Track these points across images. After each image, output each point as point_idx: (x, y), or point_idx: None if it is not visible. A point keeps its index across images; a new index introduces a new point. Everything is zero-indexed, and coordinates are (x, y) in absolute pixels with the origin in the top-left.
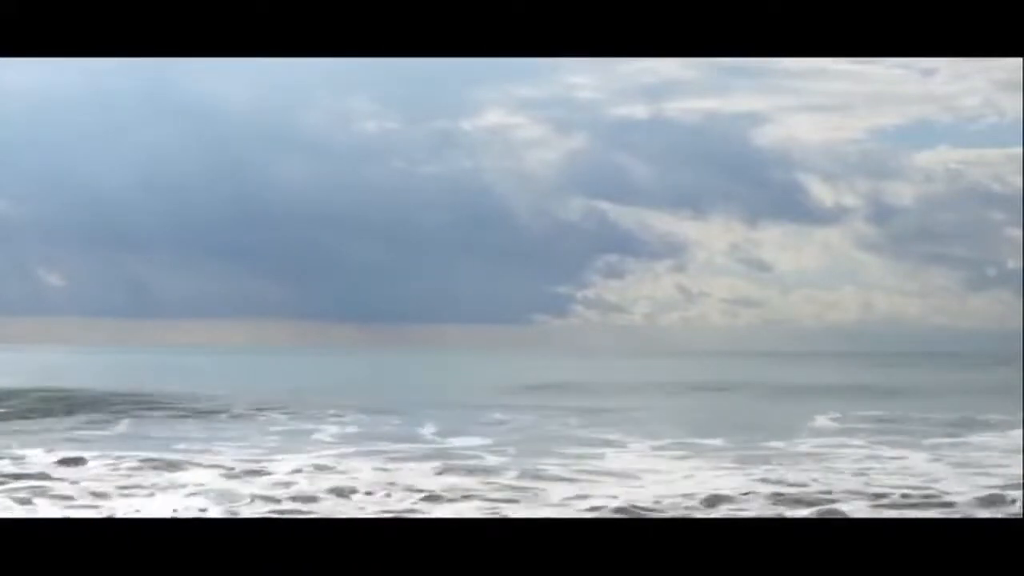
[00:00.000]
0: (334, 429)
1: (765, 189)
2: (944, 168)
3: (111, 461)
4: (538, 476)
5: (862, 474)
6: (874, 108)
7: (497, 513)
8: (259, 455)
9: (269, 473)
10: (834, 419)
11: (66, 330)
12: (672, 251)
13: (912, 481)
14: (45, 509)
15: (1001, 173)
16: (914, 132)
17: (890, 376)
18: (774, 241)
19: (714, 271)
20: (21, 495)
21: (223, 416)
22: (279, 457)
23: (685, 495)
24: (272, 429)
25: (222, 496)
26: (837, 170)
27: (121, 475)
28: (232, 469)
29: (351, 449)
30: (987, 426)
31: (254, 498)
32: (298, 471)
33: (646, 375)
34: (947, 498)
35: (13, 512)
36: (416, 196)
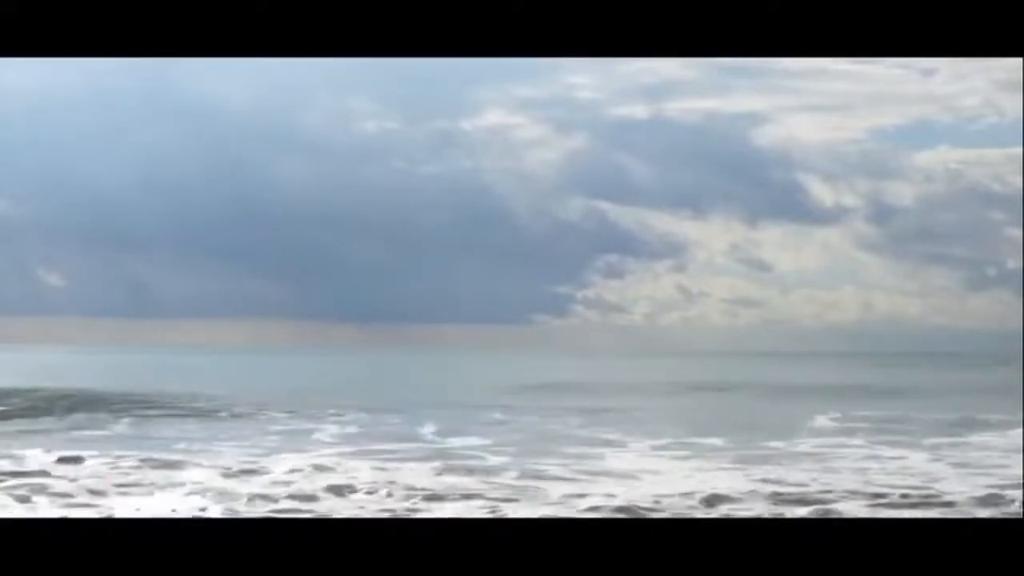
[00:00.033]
0: (334, 429)
1: (765, 189)
2: (944, 168)
3: (110, 460)
4: (538, 476)
5: (862, 474)
6: (874, 108)
7: (497, 513)
8: (259, 455)
9: (269, 472)
10: (834, 419)
11: (66, 330)
12: (672, 251)
13: (912, 481)
14: (44, 507)
15: (1001, 173)
16: (914, 132)
17: (890, 376)
18: (774, 241)
19: (714, 271)
20: (20, 492)
21: (223, 416)
22: (279, 457)
23: (685, 495)
24: (272, 429)
25: (222, 495)
26: (837, 170)
27: (121, 474)
28: (232, 469)
29: (351, 449)
30: (987, 426)
31: (253, 497)
32: (298, 471)
33: (646, 375)
34: (947, 498)
35: (12, 510)
36: (416, 196)
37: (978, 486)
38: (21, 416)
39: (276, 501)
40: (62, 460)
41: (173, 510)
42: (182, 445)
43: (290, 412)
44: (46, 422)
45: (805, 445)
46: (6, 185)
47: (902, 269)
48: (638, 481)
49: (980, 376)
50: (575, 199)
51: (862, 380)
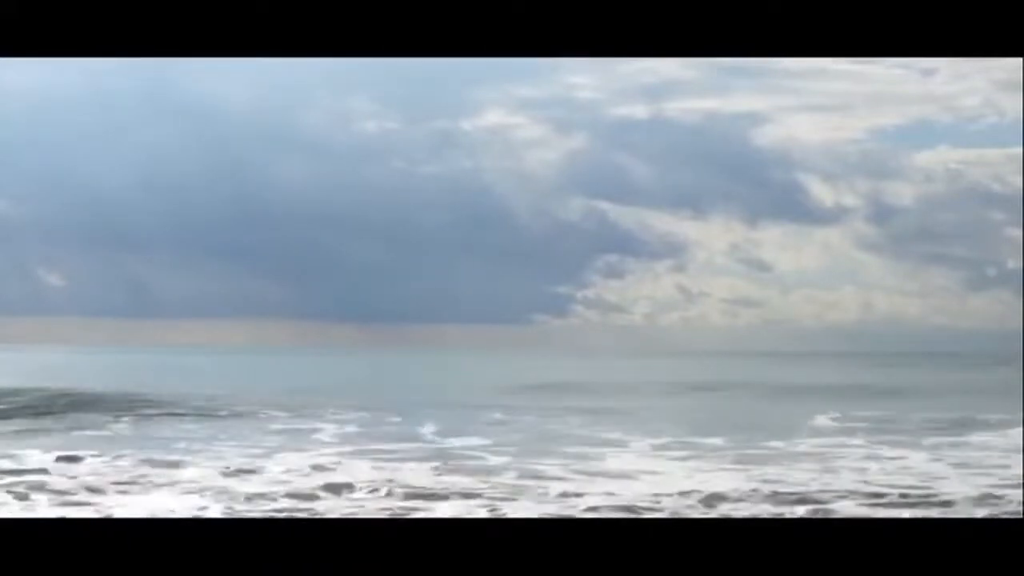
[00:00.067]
0: (334, 429)
1: (765, 189)
2: (944, 168)
3: (110, 460)
4: (538, 476)
5: (861, 474)
6: (874, 108)
7: (497, 513)
8: (259, 454)
9: (268, 472)
10: (834, 419)
11: (66, 330)
12: (672, 251)
13: (912, 481)
14: (42, 504)
15: (1001, 173)
16: (914, 132)
17: (890, 376)
18: (774, 241)
19: (714, 271)
20: (19, 490)
21: (223, 416)
22: (279, 456)
23: (684, 494)
24: (272, 428)
25: (221, 495)
26: (837, 170)
27: (120, 473)
28: (231, 468)
29: (351, 449)
30: (987, 426)
31: (253, 497)
32: (298, 470)
33: (646, 375)
34: (946, 498)
35: (11, 508)
36: (416, 196)
37: (978, 486)
38: (21, 415)
39: (275, 500)
40: (61, 459)
41: (172, 510)
42: (182, 445)
43: (290, 412)
44: (46, 422)
45: (805, 445)
46: (6, 185)
47: (902, 269)
48: (638, 481)
49: (980, 376)
50: (575, 199)
51: (862, 380)
